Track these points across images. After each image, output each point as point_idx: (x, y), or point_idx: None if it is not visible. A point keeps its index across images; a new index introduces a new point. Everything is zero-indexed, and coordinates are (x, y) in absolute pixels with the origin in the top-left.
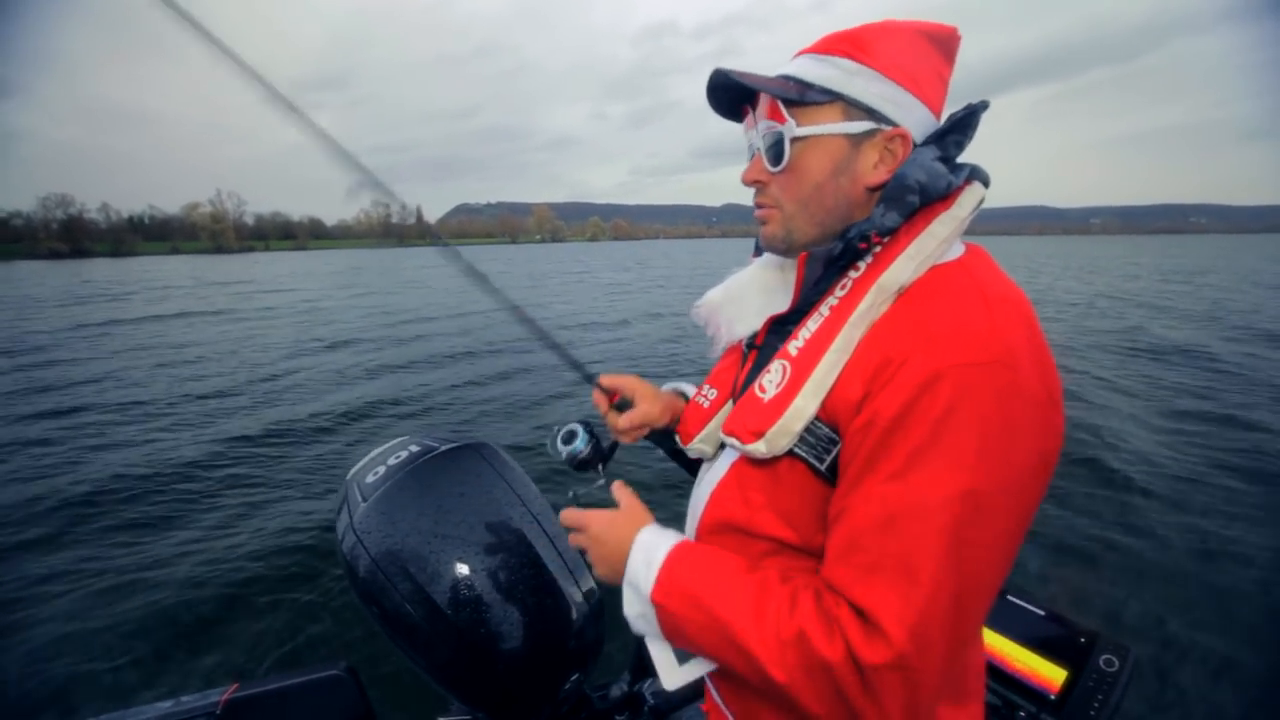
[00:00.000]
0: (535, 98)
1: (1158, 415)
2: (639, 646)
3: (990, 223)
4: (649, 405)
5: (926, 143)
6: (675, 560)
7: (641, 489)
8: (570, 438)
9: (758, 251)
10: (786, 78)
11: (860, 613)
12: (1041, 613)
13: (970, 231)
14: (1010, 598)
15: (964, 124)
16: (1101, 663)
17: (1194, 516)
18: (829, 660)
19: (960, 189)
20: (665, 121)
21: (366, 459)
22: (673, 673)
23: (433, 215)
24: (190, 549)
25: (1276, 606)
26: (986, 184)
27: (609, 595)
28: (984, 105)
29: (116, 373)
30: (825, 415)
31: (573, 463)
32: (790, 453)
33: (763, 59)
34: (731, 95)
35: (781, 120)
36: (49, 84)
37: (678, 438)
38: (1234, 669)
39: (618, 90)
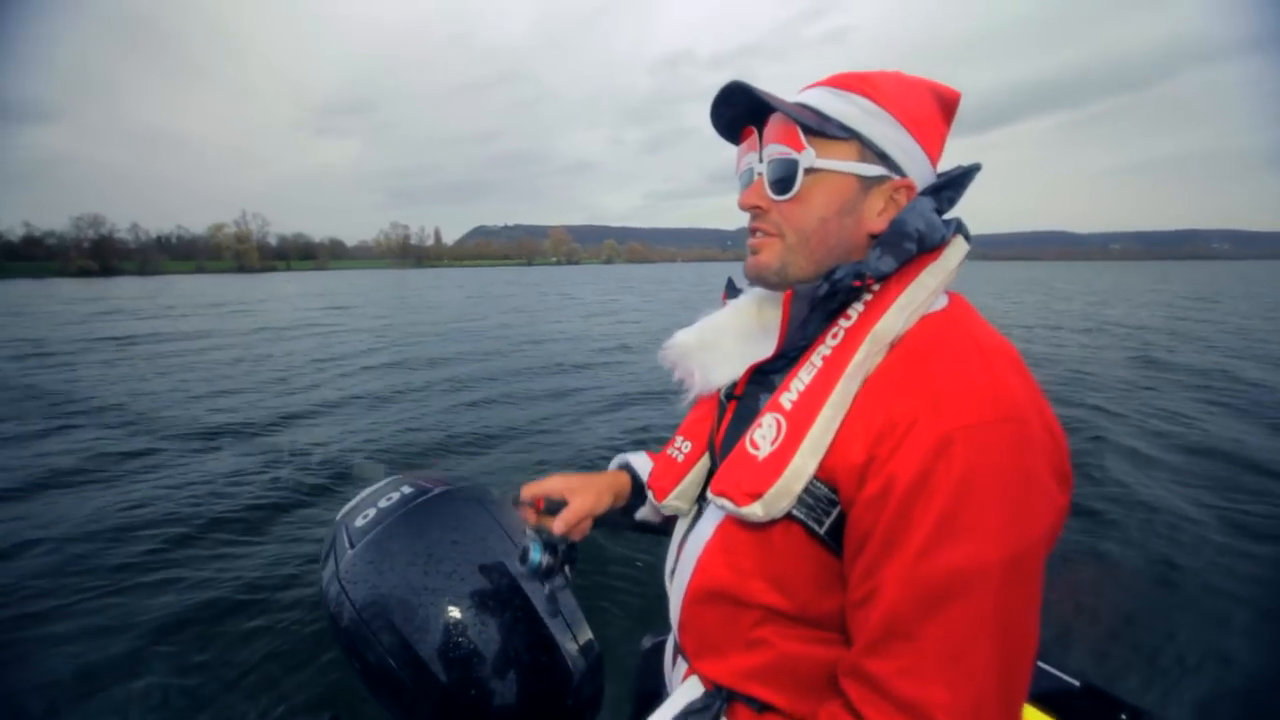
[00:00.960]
0: (554, 123)
1: (1211, 462)
2: (639, 700)
3: (1008, 248)
4: (581, 498)
5: (923, 194)
6: None
7: (615, 567)
8: (524, 555)
9: (730, 292)
10: (803, 106)
11: (906, 706)
12: (1077, 684)
13: (989, 257)
14: (1044, 666)
15: (959, 182)
16: None
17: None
18: None
19: (947, 243)
20: (680, 147)
21: (358, 499)
22: None
23: (451, 236)
24: (176, 581)
25: None
26: (969, 239)
27: (608, 648)
28: (977, 168)
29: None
30: (823, 474)
31: (537, 576)
32: (787, 515)
33: (776, 87)
34: (736, 113)
35: (799, 147)
36: (91, 107)
37: (650, 494)
38: None
39: (634, 116)
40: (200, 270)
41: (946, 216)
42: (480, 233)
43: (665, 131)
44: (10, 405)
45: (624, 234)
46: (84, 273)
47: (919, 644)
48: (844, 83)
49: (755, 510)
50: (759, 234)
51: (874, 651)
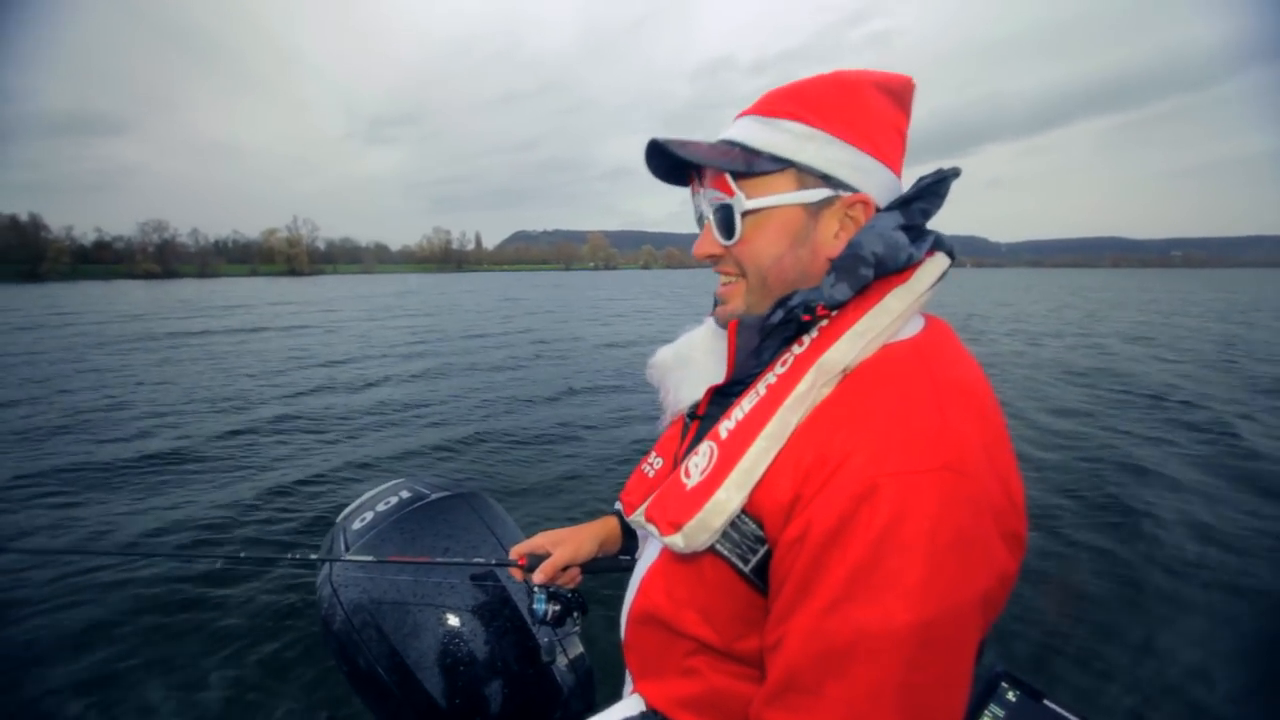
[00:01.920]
0: (594, 131)
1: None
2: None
3: (1061, 254)
4: (560, 551)
5: (891, 208)
6: None
7: (611, 590)
8: (530, 604)
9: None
10: (730, 143)
11: None
12: (998, 670)
13: (1037, 264)
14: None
15: (932, 190)
16: None
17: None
18: None
19: (921, 261)
20: None
21: (358, 501)
22: None
23: (491, 241)
24: (161, 591)
25: None
26: (952, 255)
27: (598, 661)
28: (955, 172)
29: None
30: (752, 509)
31: (547, 624)
32: (712, 549)
33: None
34: (671, 161)
35: (730, 193)
36: (157, 120)
37: (621, 509)
38: None
39: (674, 122)
40: (254, 273)
41: (926, 228)
42: (520, 237)
43: (705, 137)
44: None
45: (661, 239)
46: (148, 275)
47: (819, 702)
48: (772, 108)
49: (676, 541)
50: (724, 279)
51: (775, 702)
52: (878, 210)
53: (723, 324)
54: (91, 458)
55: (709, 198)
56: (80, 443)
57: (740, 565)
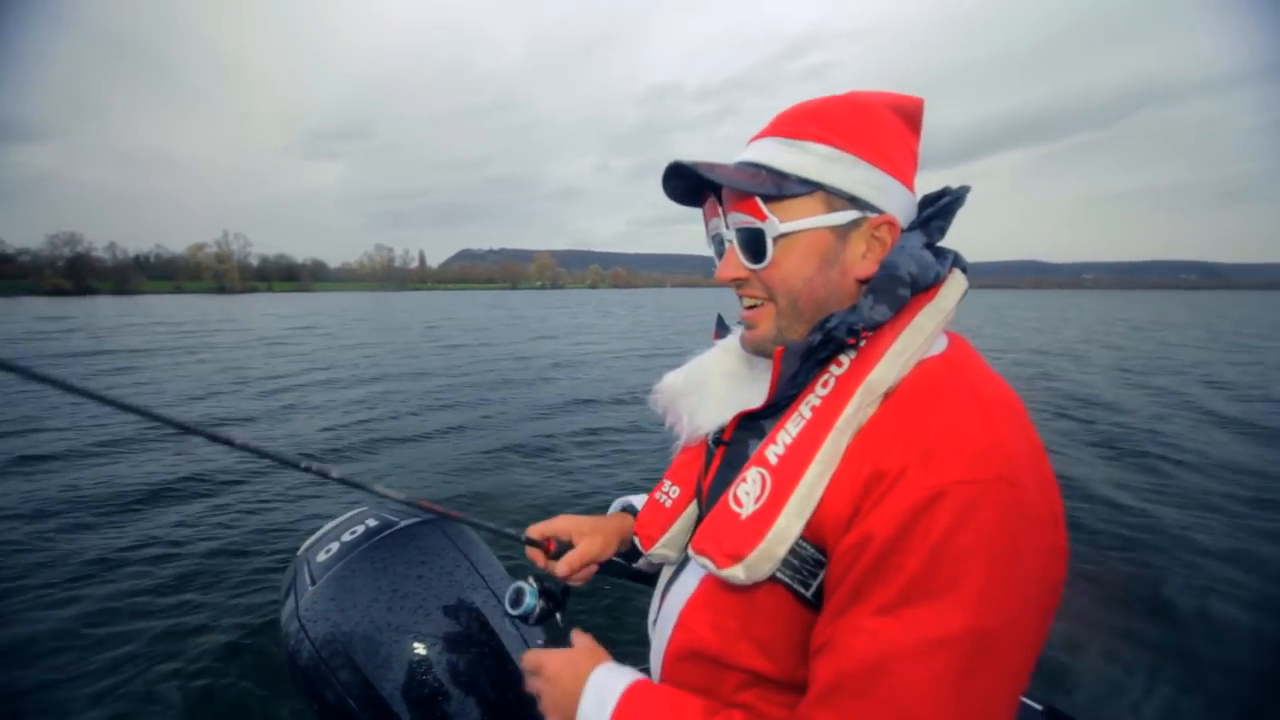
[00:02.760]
0: (544, 150)
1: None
2: None
3: (985, 276)
4: (589, 542)
5: (911, 227)
6: (629, 703)
7: (606, 618)
8: (518, 598)
9: (720, 331)
10: (755, 166)
11: None
12: (1039, 708)
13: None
14: None
15: (948, 210)
16: None
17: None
18: None
19: (943, 279)
20: None
21: (320, 533)
22: None
23: (436, 259)
24: (111, 631)
25: None
26: (966, 271)
27: None
28: (965, 191)
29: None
30: (810, 534)
31: (528, 621)
32: (771, 577)
33: (759, 119)
34: (688, 182)
35: (761, 217)
36: (83, 127)
37: (637, 540)
38: None
39: (622, 145)
40: (179, 290)
41: (942, 246)
42: (466, 256)
43: (652, 160)
44: None
45: (608, 259)
46: (57, 291)
47: (868, 704)
48: (795, 129)
49: (736, 573)
50: (749, 302)
51: (824, 703)
52: (902, 230)
53: (752, 349)
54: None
55: (734, 221)
56: None
57: (802, 590)
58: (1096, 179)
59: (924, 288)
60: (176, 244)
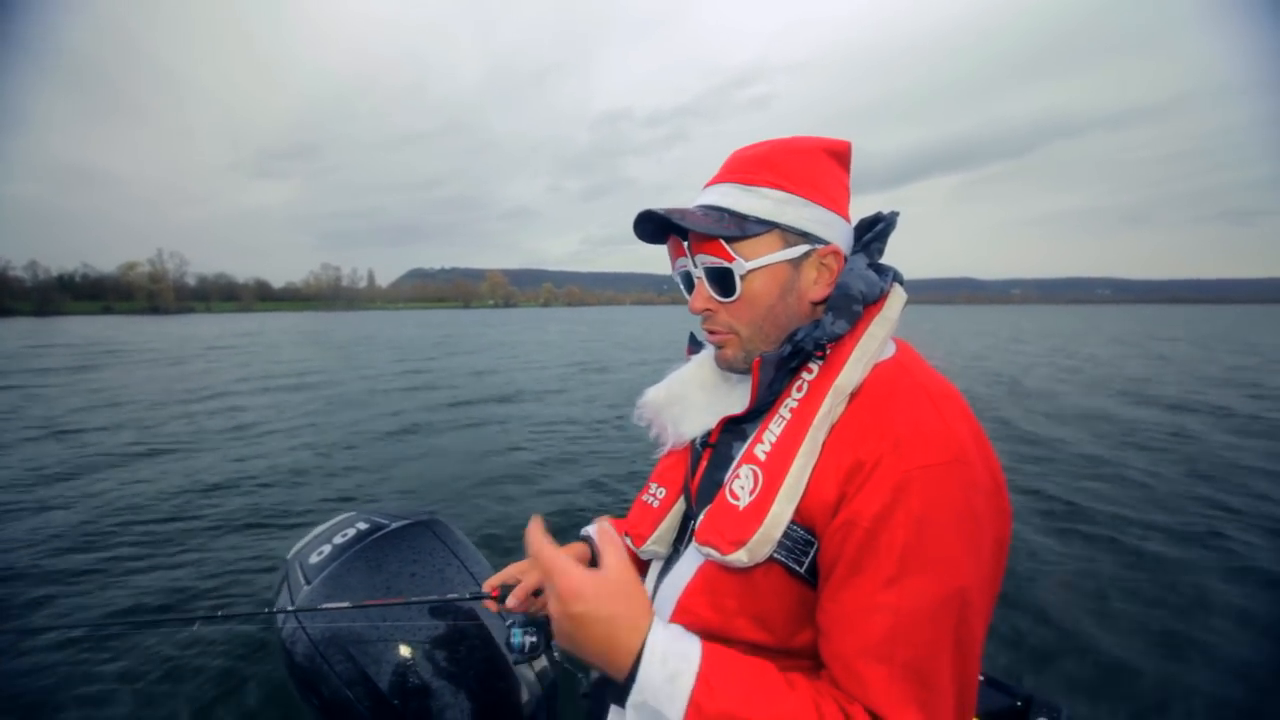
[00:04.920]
0: (497, 171)
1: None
2: None
3: (923, 293)
4: (533, 574)
5: (855, 251)
6: (711, 677)
7: None
8: (508, 640)
9: (693, 347)
10: (718, 210)
11: None
12: (980, 678)
13: (906, 301)
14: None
15: (884, 233)
16: None
17: (1110, 563)
18: None
19: (887, 293)
20: (617, 195)
21: (309, 537)
22: None
23: (386, 278)
24: (99, 638)
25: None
26: (903, 284)
27: (563, 676)
28: (895, 215)
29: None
30: (800, 518)
31: (525, 656)
32: (769, 558)
33: (707, 144)
34: (655, 224)
35: (729, 258)
36: (15, 144)
37: (628, 539)
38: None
39: (574, 167)
40: (107, 310)
41: (883, 263)
42: (417, 275)
43: (603, 181)
44: None
45: (561, 278)
46: None
47: (891, 668)
48: (750, 175)
49: (740, 557)
50: (715, 334)
51: (851, 676)
52: (845, 256)
53: (725, 368)
54: None
55: (702, 261)
56: None
57: (796, 568)
58: (1016, 202)
59: (872, 301)
60: (108, 263)
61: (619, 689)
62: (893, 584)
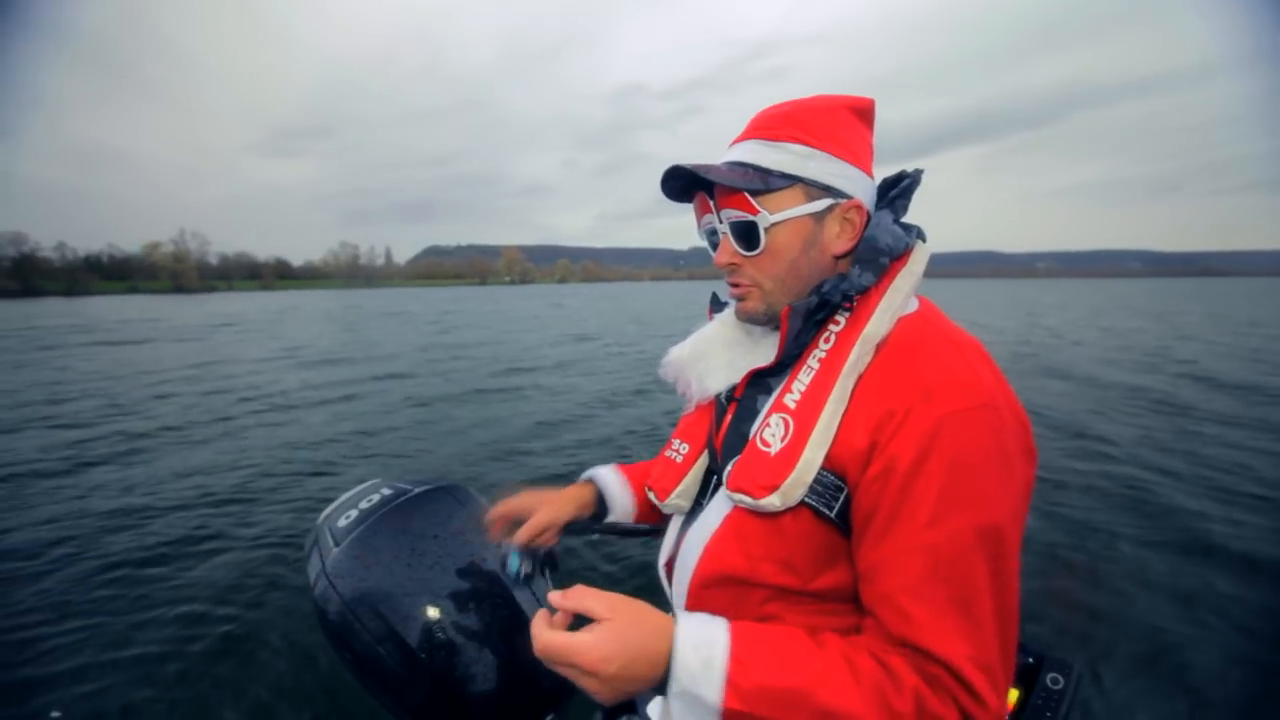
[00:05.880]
0: (512, 147)
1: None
2: None
3: (946, 266)
4: (542, 512)
5: (879, 207)
6: (743, 655)
7: (591, 561)
8: (504, 564)
9: (715, 307)
10: (743, 166)
11: (957, 675)
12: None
13: (928, 275)
14: None
15: (907, 190)
16: (1049, 681)
17: (1130, 526)
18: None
19: (911, 248)
20: (633, 170)
21: (337, 503)
22: None
23: (403, 255)
24: (149, 593)
25: (1219, 615)
26: (925, 241)
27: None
28: (920, 173)
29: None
30: (830, 464)
31: (518, 581)
32: (799, 502)
33: (723, 117)
34: (683, 182)
35: (753, 211)
36: (36, 124)
37: (651, 493)
38: (1174, 679)
39: (589, 142)
40: (134, 290)
41: (906, 221)
42: (433, 252)
43: (618, 156)
44: None
45: (578, 254)
46: (2, 293)
47: (935, 604)
48: (774, 131)
49: (773, 501)
50: (739, 286)
51: (896, 614)
52: (868, 211)
53: (745, 319)
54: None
55: (727, 216)
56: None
57: (826, 512)
58: (1040, 174)
59: (897, 256)
60: (131, 243)
61: (660, 685)
62: (932, 525)
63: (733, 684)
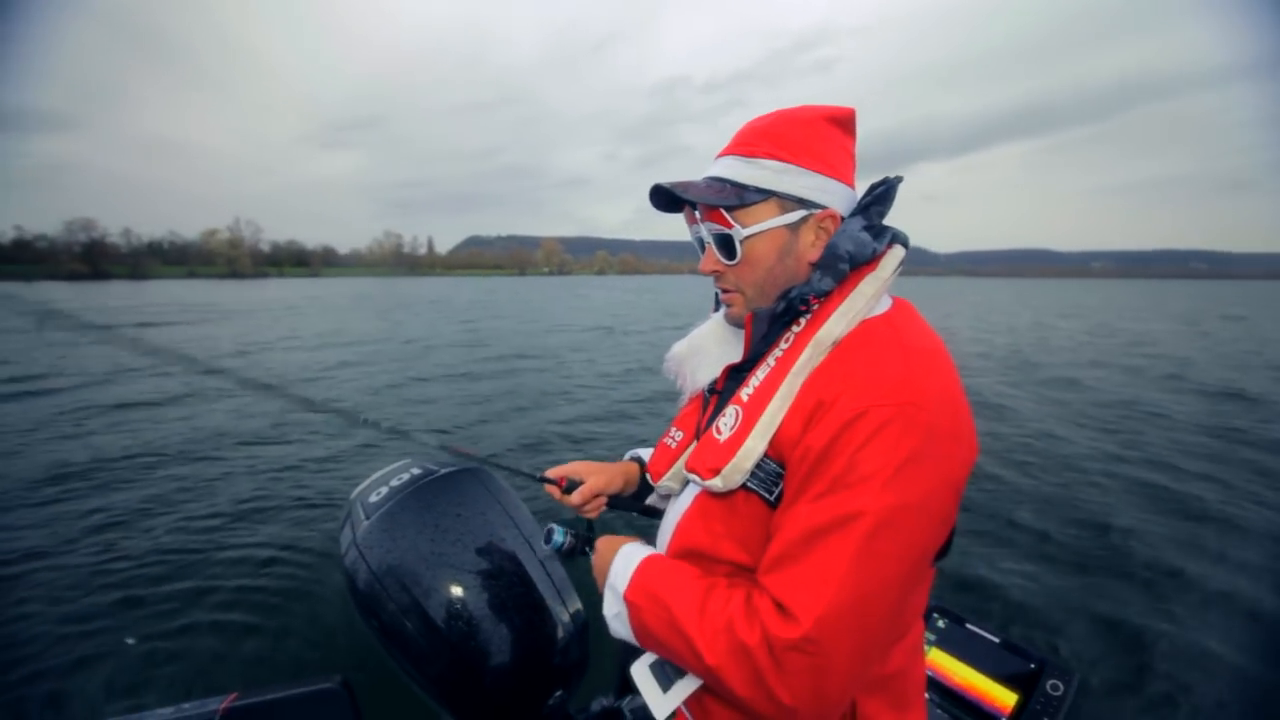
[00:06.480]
0: (554, 141)
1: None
2: (622, 669)
3: (995, 264)
4: (596, 478)
5: (854, 214)
6: (646, 566)
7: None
8: (549, 536)
9: (717, 306)
10: (720, 181)
11: (778, 604)
12: (996, 640)
13: (974, 273)
14: (969, 626)
15: (884, 196)
16: (1048, 687)
17: (1151, 548)
18: (748, 643)
19: (884, 253)
20: (673, 163)
21: (370, 480)
22: (659, 701)
23: (445, 245)
24: (195, 558)
25: (1225, 636)
26: (906, 245)
27: (594, 617)
28: (898, 180)
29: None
30: (773, 453)
31: (560, 554)
32: (744, 486)
33: (766, 110)
34: (668, 196)
35: (728, 225)
36: (104, 118)
37: (649, 476)
38: (1178, 695)
39: (630, 135)
40: (192, 275)
41: (888, 224)
42: (474, 242)
43: (659, 149)
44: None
45: (616, 245)
46: (74, 276)
47: (797, 562)
48: (751, 148)
49: (715, 483)
50: (726, 292)
51: (769, 571)
52: (843, 219)
53: (732, 323)
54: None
55: (709, 229)
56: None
57: (767, 497)
58: (1099, 169)
59: (863, 261)
60: (190, 230)
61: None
62: (818, 499)
63: (633, 583)
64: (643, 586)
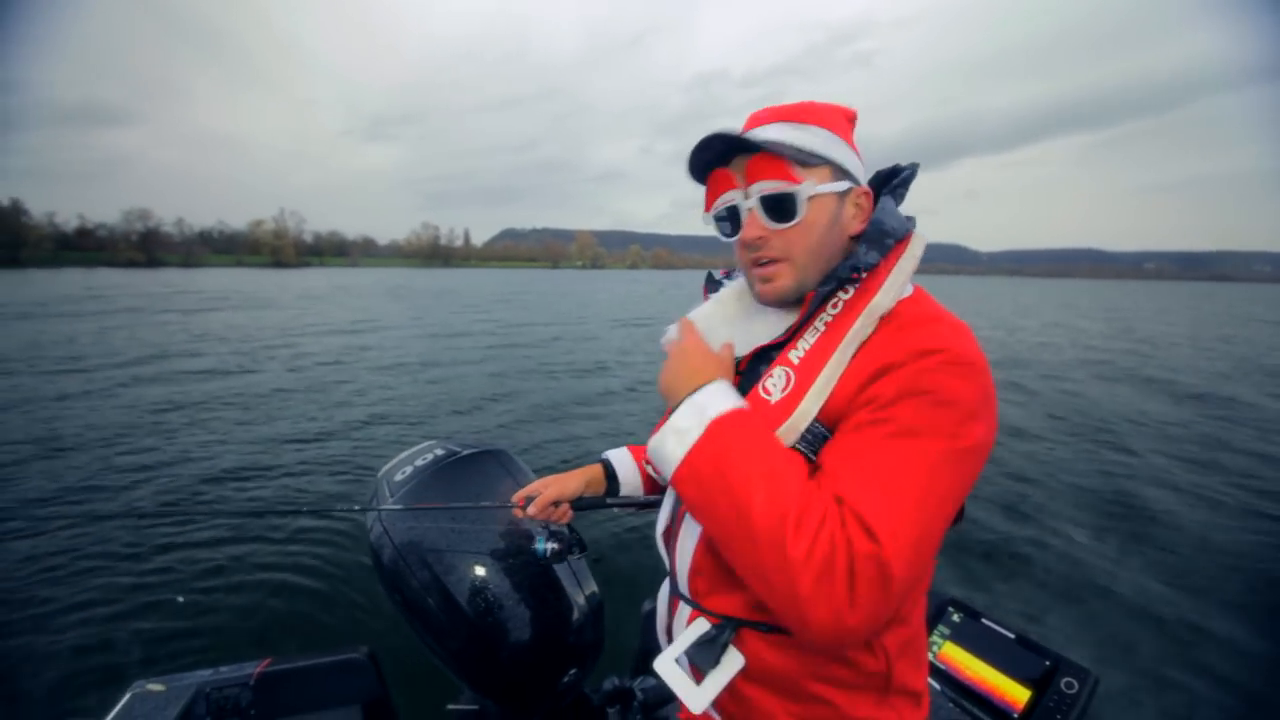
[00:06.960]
0: (589, 135)
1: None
2: (640, 656)
3: (1040, 264)
4: (550, 489)
5: (886, 193)
6: (747, 411)
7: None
8: (534, 545)
9: (711, 287)
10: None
11: (860, 518)
12: (1011, 636)
13: (1017, 273)
14: (984, 620)
15: (907, 180)
16: (1063, 685)
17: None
18: (836, 542)
19: (910, 234)
20: None
21: (396, 459)
22: (693, 694)
23: (480, 238)
24: (231, 533)
25: (1246, 646)
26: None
27: (609, 599)
28: (916, 166)
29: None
30: (823, 417)
31: (548, 559)
32: (793, 447)
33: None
34: (709, 157)
35: (796, 180)
36: (160, 111)
37: (649, 467)
38: (1195, 701)
39: (667, 129)
40: (239, 263)
41: (903, 212)
42: (509, 235)
43: (694, 143)
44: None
45: (650, 240)
46: (131, 263)
47: (878, 484)
48: (798, 116)
49: None
50: (765, 263)
51: (848, 480)
52: (874, 197)
53: (774, 301)
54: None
55: (761, 189)
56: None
57: (811, 456)
58: (1155, 166)
59: (900, 239)
60: (237, 220)
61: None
62: (894, 437)
63: (732, 415)
64: (739, 422)
